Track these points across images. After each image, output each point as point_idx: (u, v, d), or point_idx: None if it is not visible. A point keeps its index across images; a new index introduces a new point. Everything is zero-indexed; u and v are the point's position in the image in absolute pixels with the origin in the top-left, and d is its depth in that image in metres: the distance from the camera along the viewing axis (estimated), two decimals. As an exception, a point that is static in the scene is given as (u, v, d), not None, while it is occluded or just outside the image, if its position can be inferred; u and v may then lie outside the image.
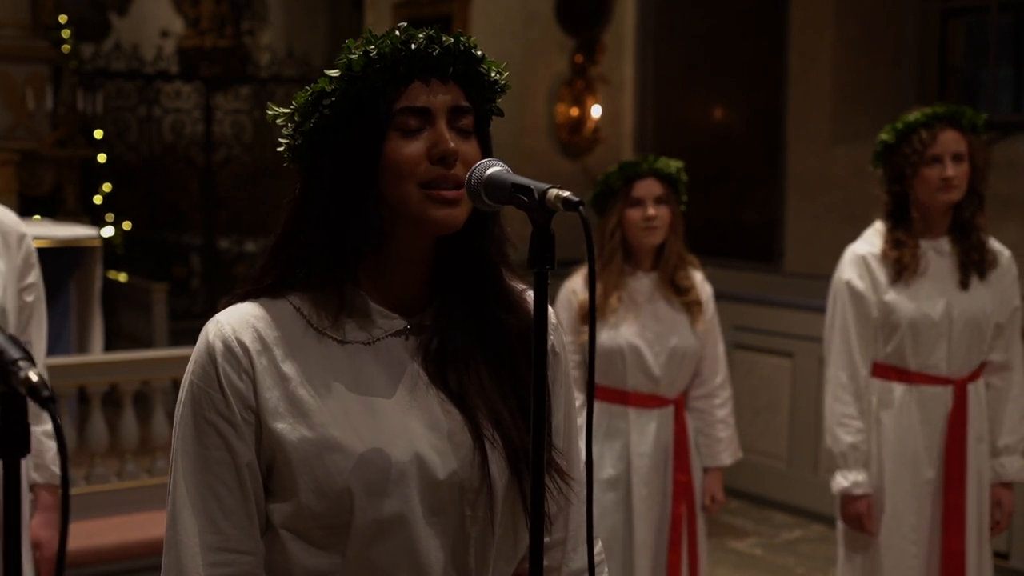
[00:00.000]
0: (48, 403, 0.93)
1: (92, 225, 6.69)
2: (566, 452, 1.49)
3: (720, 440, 3.37)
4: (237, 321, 1.38)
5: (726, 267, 6.88)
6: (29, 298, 2.62)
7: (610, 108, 7.62)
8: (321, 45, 11.29)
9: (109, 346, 6.15)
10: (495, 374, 1.41)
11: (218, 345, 1.36)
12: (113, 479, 4.68)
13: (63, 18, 8.20)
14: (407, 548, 1.35)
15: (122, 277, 7.66)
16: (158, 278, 7.62)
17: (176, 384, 4.95)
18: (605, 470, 3.24)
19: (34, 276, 2.64)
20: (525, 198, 1.24)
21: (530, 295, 1.46)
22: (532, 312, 1.41)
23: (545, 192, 1.23)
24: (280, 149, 1.43)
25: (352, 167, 1.37)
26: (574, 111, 7.71)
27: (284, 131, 1.41)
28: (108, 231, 7.88)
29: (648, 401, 3.26)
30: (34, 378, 0.93)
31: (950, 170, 3.01)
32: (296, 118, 1.39)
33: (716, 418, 3.36)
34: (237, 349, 1.36)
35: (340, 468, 1.32)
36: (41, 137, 7.34)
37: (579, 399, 3.12)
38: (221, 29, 11.50)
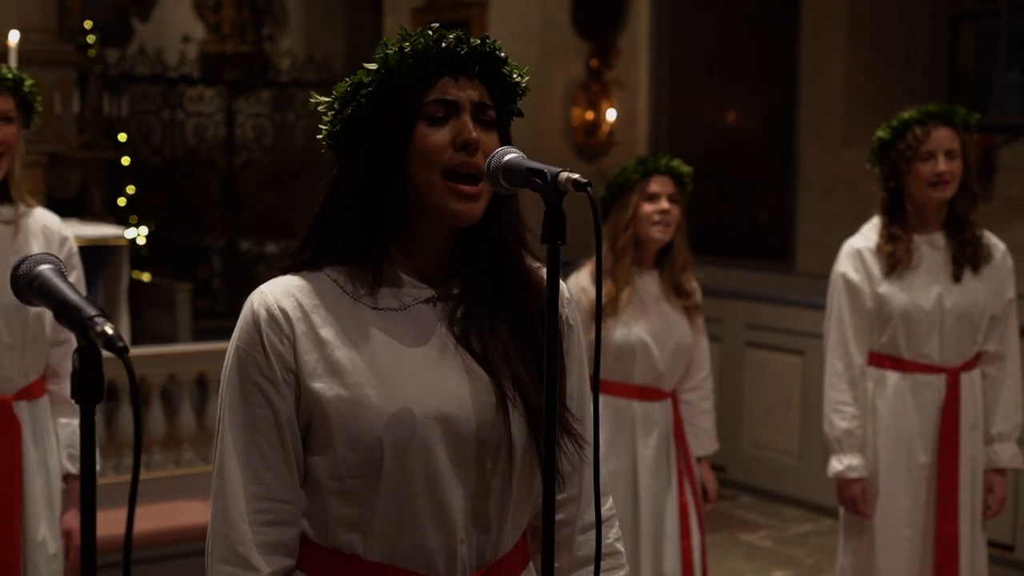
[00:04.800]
0: (123, 352, 1.07)
1: (117, 226, 6.85)
2: (580, 416, 1.61)
3: (706, 430, 3.50)
4: (279, 291, 1.51)
5: (739, 267, 6.99)
6: None
7: (625, 111, 7.73)
8: (340, 50, 11.44)
9: (134, 344, 6.30)
10: (515, 342, 1.54)
11: (262, 313, 1.50)
12: (141, 469, 4.82)
13: (88, 23, 8.38)
14: (432, 497, 1.48)
15: (145, 277, 7.82)
16: (180, 279, 7.78)
17: (201, 379, 5.10)
18: (612, 460, 3.35)
19: (74, 277, 2.79)
20: (539, 180, 1.37)
21: (544, 274, 1.59)
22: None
23: (557, 175, 1.36)
24: (320, 136, 1.57)
25: (384, 151, 1.50)
26: (589, 114, 7.82)
27: (325, 118, 1.54)
28: (133, 232, 8.04)
29: (651, 394, 3.37)
30: (109, 331, 1.07)
31: (942, 165, 3.13)
32: (336, 106, 1.53)
33: (702, 409, 3.49)
34: (279, 316, 1.49)
35: (372, 423, 1.46)
36: (68, 140, 7.51)
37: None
38: (242, 34, 11.68)
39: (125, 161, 8.51)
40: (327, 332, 1.49)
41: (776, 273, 6.84)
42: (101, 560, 3.08)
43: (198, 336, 7.30)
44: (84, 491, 1.12)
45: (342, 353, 1.49)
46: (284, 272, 1.55)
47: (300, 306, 1.50)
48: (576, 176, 1.35)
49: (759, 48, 7.26)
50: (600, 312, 1.42)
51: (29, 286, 1.16)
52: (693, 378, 3.47)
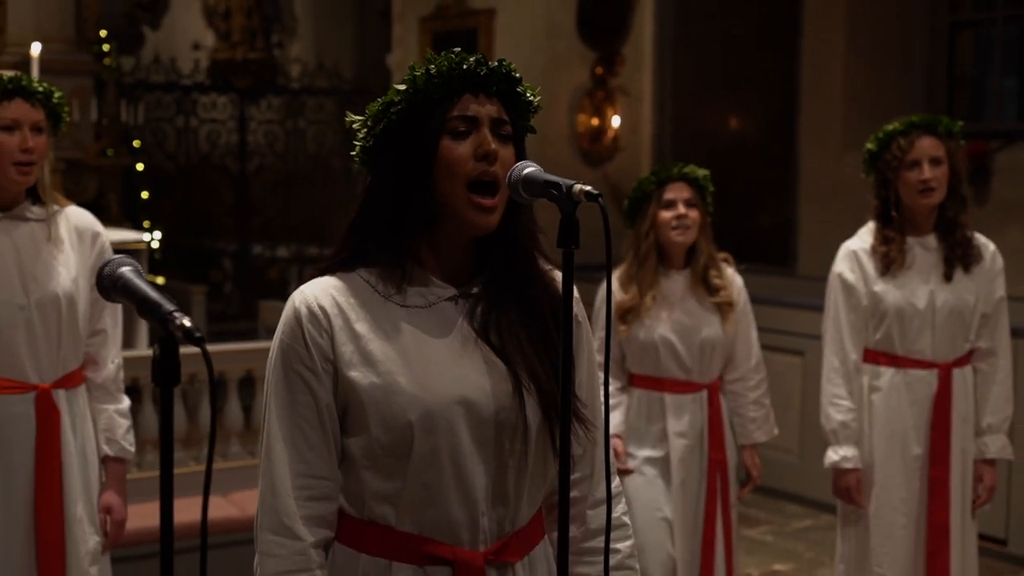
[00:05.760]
0: (200, 342, 1.23)
1: (135, 230, 7.02)
2: (590, 404, 1.78)
3: (752, 419, 3.62)
4: (318, 290, 1.69)
5: (741, 270, 7.13)
6: None
7: (629, 118, 7.86)
8: (348, 57, 11.59)
9: (151, 345, 6.46)
10: (530, 336, 1.71)
11: (303, 310, 1.67)
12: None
13: (103, 32, 8.56)
14: (457, 474, 1.64)
15: (159, 280, 7.99)
16: (193, 282, 7.96)
17: (221, 378, 5.27)
18: (645, 450, 3.50)
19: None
20: (555, 192, 1.55)
21: (557, 274, 1.77)
22: (558, 288, 1.73)
23: (571, 186, 1.54)
24: (353, 153, 1.73)
25: (412, 163, 1.67)
26: (595, 121, 7.96)
27: (359, 135, 1.71)
28: (146, 236, 8.22)
29: (682, 387, 3.51)
30: (188, 324, 1.23)
31: (927, 172, 3.30)
32: (369, 123, 1.70)
33: (748, 399, 3.61)
34: (318, 312, 1.66)
35: (403, 407, 1.62)
36: (85, 147, 7.68)
37: (615, 384, 3.42)
38: (252, 42, 11.84)
39: (139, 167, 8.70)
40: (361, 326, 1.66)
41: (778, 276, 6.97)
42: (118, 553, 3.18)
43: (212, 339, 7.46)
44: (163, 472, 1.27)
45: (375, 345, 1.65)
46: (322, 273, 1.73)
47: (337, 303, 1.67)
48: (588, 188, 1.52)
49: (760, 56, 7.39)
50: (610, 307, 1.59)
51: (113, 285, 1.33)
52: (738, 369, 3.60)
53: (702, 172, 3.52)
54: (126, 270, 1.32)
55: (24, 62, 7.53)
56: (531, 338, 1.71)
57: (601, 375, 1.77)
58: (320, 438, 1.66)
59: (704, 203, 3.51)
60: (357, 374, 1.64)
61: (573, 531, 1.77)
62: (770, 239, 7.28)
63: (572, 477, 1.75)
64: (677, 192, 3.46)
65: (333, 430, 1.66)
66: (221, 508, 4.97)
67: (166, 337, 1.23)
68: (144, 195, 8.73)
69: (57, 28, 7.76)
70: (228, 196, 9.49)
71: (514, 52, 7.51)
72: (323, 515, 1.66)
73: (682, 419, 3.50)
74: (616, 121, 7.85)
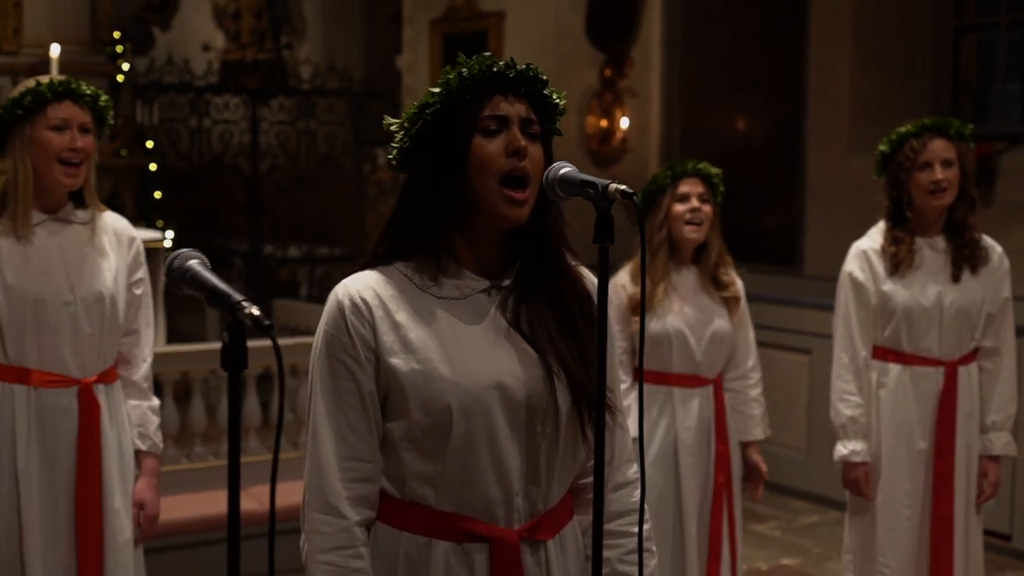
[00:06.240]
0: (269, 329, 1.33)
1: (151, 230, 7.11)
2: (614, 389, 1.89)
3: (753, 416, 3.71)
4: (360, 284, 1.79)
5: (749, 270, 7.20)
6: (138, 291, 3.05)
7: (638, 119, 7.93)
8: (356, 59, 11.68)
9: (169, 343, 6.55)
10: (559, 326, 1.81)
11: (346, 302, 1.77)
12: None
13: (116, 34, 8.65)
14: (493, 455, 1.75)
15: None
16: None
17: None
18: (655, 444, 3.58)
19: (142, 273, 3.07)
20: (591, 190, 1.66)
21: (583, 270, 1.87)
22: (585, 282, 1.84)
23: (607, 186, 1.65)
24: (391, 156, 1.83)
25: (446, 161, 1.78)
26: (603, 122, 8.03)
27: (396, 137, 1.81)
28: (169, 234, 8.31)
29: (690, 381, 3.59)
30: (256, 313, 1.33)
31: (939, 174, 3.39)
32: (405, 125, 1.80)
33: (749, 397, 3.71)
34: (360, 304, 1.76)
35: (441, 392, 1.73)
36: (100, 147, 7.77)
37: (626, 382, 3.49)
38: (261, 43, 11.93)
39: (152, 167, 8.79)
40: (401, 316, 1.76)
41: (784, 276, 7.05)
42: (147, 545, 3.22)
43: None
44: (231, 455, 1.36)
45: (414, 334, 1.75)
46: (363, 268, 1.83)
47: (378, 295, 1.77)
48: (623, 187, 1.62)
49: (767, 59, 7.45)
50: (644, 304, 1.69)
51: (183, 277, 1.42)
52: (739, 367, 3.69)
53: (715, 169, 3.61)
54: (194, 263, 1.42)
55: (40, 63, 7.64)
56: (560, 328, 1.81)
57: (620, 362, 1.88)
58: (363, 422, 1.76)
59: (716, 200, 3.60)
60: (398, 361, 1.74)
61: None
62: (777, 240, 7.34)
63: (592, 463, 1.84)
64: (691, 187, 3.54)
65: (375, 415, 1.76)
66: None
67: (234, 325, 1.33)
68: (157, 195, 8.83)
69: (73, 30, 7.86)
70: (240, 196, 9.58)
71: (523, 54, 7.53)
72: (366, 496, 1.76)
73: (690, 413, 3.58)
74: (624, 123, 7.92)
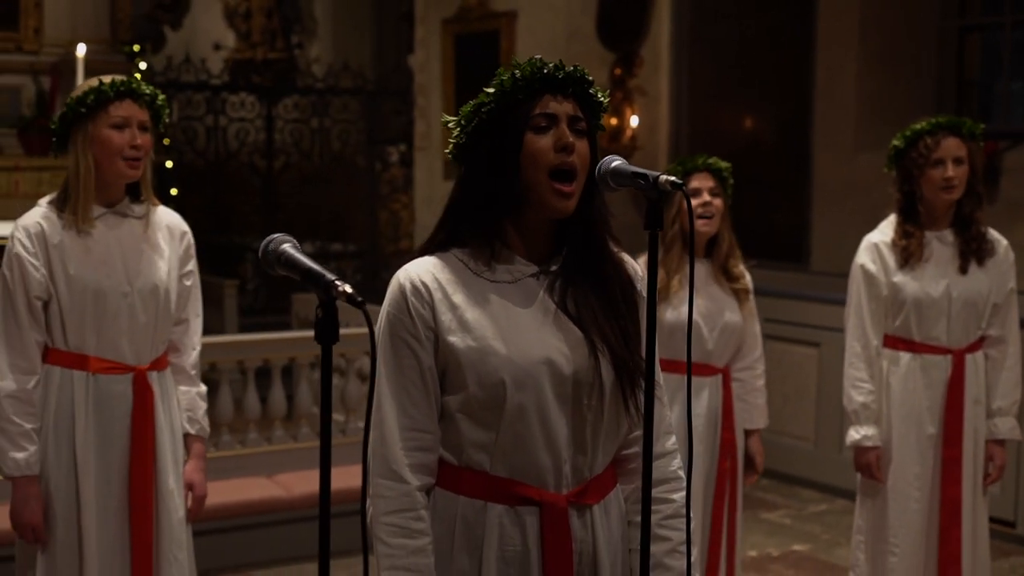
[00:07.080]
0: (362, 305, 1.47)
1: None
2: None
3: (757, 406, 3.88)
4: (420, 268, 1.94)
5: (758, 266, 7.33)
6: (188, 283, 3.20)
7: (647, 118, 8.04)
8: (367, 58, 11.81)
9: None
10: (602, 307, 1.96)
11: (408, 285, 1.92)
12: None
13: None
14: (543, 425, 1.90)
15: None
16: (220, 277, 8.19)
17: (266, 366, 5.53)
18: None
19: (192, 265, 3.21)
20: (642, 181, 1.81)
21: (625, 256, 2.02)
22: (627, 267, 1.98)
23: (657, 177, 1.81)
24: (448, 151, 1.98)
25: (500, 155, 1.92)
26: (613, 121, 8.13)
27: (453, 133, 1.96)
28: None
29: (702, 370, 3.73)
30: (350, 290, 1.47)
31: (951, 171, 3.53)
32: (462, 122, 1.95)
33: (754, 387, 3.87)
34: (420, 287, 1.92)
35: (496, 367, 1.88)
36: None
37: None
38: (272, 42, 12.05)
39: (169, 164, 8.94)
40: (458, 298, 1.91)
41: (793, 272, 7.17)
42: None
43: (243, 331, 7.71)
44: (323, 432, 1.50)
45: (470, 314, 1.90)
46: (421, 254, 1.98)
47: (436, 279, 1.93)
48: (673, 178, 1.78)
49: (775, 59, 7.56)
50: (692, 292, 1.85)
51: (277, 260, 1.57)
52: (746, 358, 3.83)
53: (725, 164, 3.74)
54: (287, 246, 1.57)
55: (61, 62, 7.80)
56: (603, 309, 1.96)
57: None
58: (423, 396, 1.91)
59: (726, 194, 3.73)
60: (456, 339, 1.89)
61: (635, 482, 2.02)
62: (785, 237, 7.45)
63: (635, 434, 2.00)
64: (702, 181, 3.67)
65: (434, 389, 1.92)
66: (266, 488, 5.21)
67: (328, 301, 1.47)
68: (174, 191, 8.97)
69: (93, 30, 8.01)
70: (255, 193, 9.73)
71: (534, 53, 7.62)
72: (426, 463, 1.91)
73: (700, 400, 3.72)
74: (634, 121, 8.02)
